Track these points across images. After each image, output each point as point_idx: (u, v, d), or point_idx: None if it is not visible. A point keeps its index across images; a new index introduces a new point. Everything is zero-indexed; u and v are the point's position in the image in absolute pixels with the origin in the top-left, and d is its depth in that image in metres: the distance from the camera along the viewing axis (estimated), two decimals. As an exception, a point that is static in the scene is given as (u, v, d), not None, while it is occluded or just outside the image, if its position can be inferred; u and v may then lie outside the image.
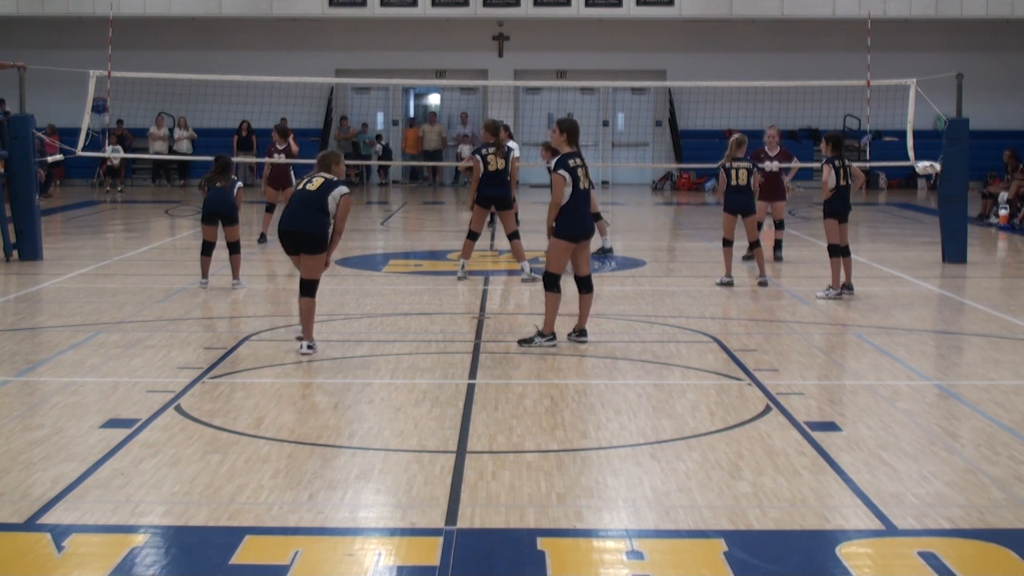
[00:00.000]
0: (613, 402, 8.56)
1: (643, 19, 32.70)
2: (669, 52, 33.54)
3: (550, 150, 14.22)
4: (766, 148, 16.64)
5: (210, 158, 14.45)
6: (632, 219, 25.01)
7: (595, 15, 32.50)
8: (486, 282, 14.56)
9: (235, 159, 17.48)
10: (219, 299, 13.16)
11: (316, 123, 34.03)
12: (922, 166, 17.41)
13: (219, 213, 13.58)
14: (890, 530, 5.99)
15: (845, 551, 5.68)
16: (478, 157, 14.56)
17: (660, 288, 14.26)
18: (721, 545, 5.73)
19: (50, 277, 14.73)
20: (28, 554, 5.62)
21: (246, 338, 10.83)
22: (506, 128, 15.91)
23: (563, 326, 10.73)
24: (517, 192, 16.46)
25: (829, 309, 12.67)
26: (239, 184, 13.76)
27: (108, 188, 30.68)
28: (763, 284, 14.12)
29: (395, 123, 35.49)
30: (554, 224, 10.36)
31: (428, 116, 34.92)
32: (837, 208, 13.28)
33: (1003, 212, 21.79)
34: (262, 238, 18.50)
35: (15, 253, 16.10)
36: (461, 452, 7.25)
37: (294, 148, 18.97)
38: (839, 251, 13.23)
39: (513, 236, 14.61)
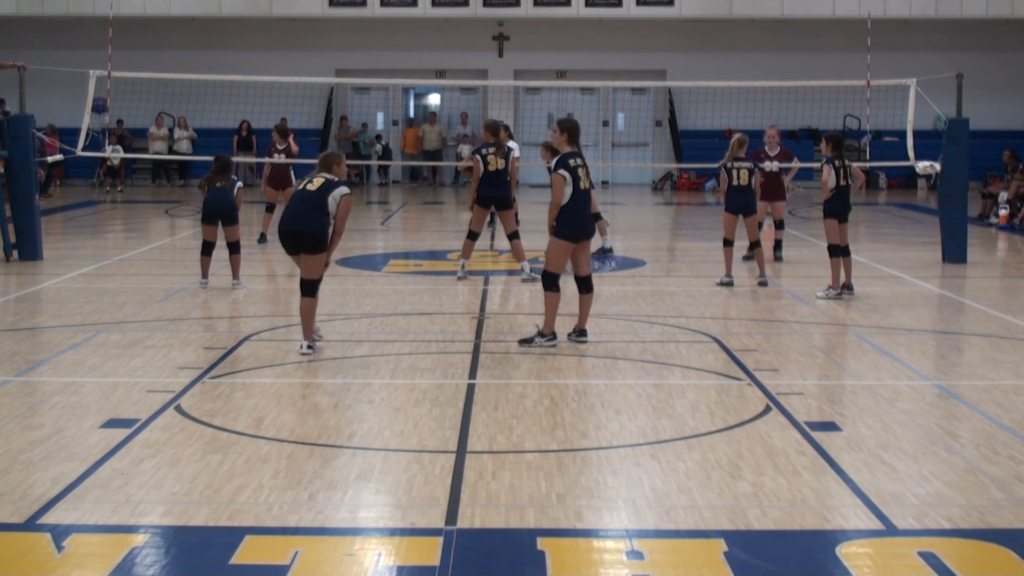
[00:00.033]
0: (613, 402, 8.56)
1: (643, 19, 32.70)
2: (669, 52, 33.54)
3: (550, 150, 14.20)
4: (766, 148, 16.64)
5: (210, 158, 14.45)
6: (632, 219, 25.01)
7: (595, 15, 32.51)
8: (486, 282, 14.56)
9: (235, 159, 17.47)
10: (219, 299, 13.16)
11: (316, 123, 34.03)
12: (922, 166, 17.41)
13: (219, 213, 13.58)
14: (890, 530, 5.99)
15: (845, 551, 5.68)
16: (478, 157, 14.56)
17: (660, 288, 14.26)
18: (721, 545, 5.73)
19: (50, 277, 14.73)
20: (28, 554, 5.62)
21: (246, 338, 10.83)
22: (506, 128, 15.91)
23: (563, 326, 10.73)
24: (517, 192, 16.46)
25: (829, 309, 12.67)
26: (239, 184, 13.76)
27: (108, 188, 30.68)
28: (763, 284, 14.12)
29: (395, 123, 35.49)
30: (554, 224, 10.36)
31: (428, 116, 34.93)
32: (837, 208, 13.28)
33: (1003, 212, 21.79)
34: (262, 238, 18.50)
35: (15, 253, 16.10)
36: (461, 452, 7.25)
37: (294, 148, 18.97)
38: (839, 251, 13.23)
39: (513, 236, 14.61)
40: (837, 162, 13.21)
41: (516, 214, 15.05)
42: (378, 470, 6.91)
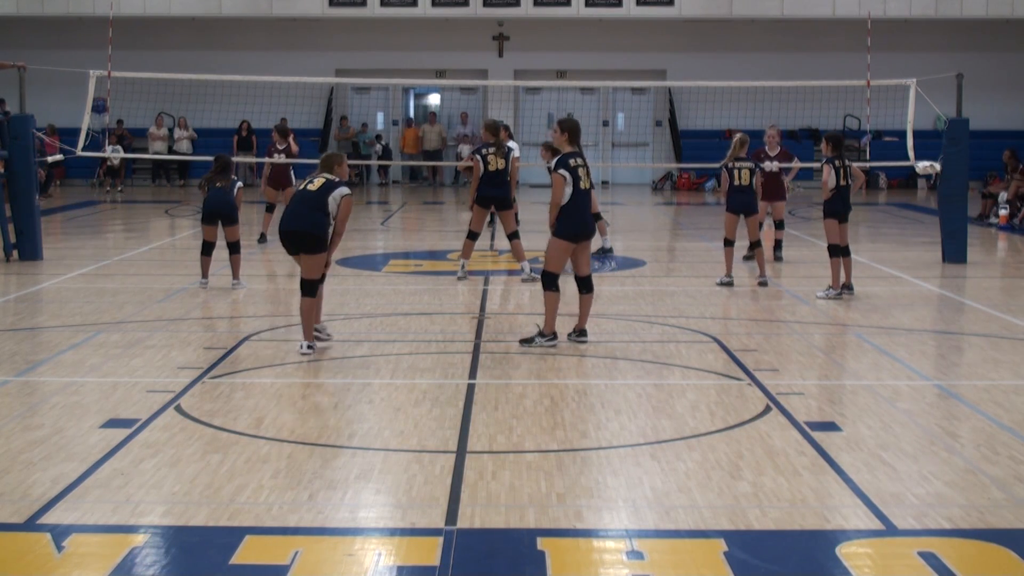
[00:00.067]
0: (613, 402, 8.56)
1: (643, 19, 32.70)
2: (669, 52, 33.54)
3: (550, 150, 14.21)
4: (766, 148, 16.63)
5: (210, 158, 14.45)
6: (632, 219, 25.01)
7: (595, 15, 32.51)
8: (486, 282, 14.56)
9: (235, 159, 17.47)
10: (219, 299, 13.16)
11: (316, 123, 34.03)
12: (922, 166, 17.41)
13: (219, 213, 13.58)
14: (890, 530, 5.99)
15: (845, 551, 5.68)
16: (478, 157, 14.56)
17: (660, 288, 14.26)
18: (721, 545, 5.73)
19: (50, 277, 14.73)
20: (28, 554, 5.62)
21: (246, 338, 10.83)
22: (506, 128, 15.91)
23: (563, 326, 10.73)
24: (517, 192, 16.47)
25: (829, 309, 12.67)
26: (239, 184, 13.76)
27: (108, 188, 30.68)
28: (763, 284, 14.12)
29: (395, 123, 35.50)
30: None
31: (428, 116, 34.94)
32: (837, 208, 13.28)
33: (1003, 212, 21.79)
34: (262, 238, 18.50)
35: (15, 253, 16.10)
36: (461, 452, 7.25)
37: (294, 148, 18.97)
38: (839, 251, 13.23)
39: (513, 236, 14.61)
40: (837, 162, 13.21)
41: (516, 214, 15.05)
42: (378, 470, 6.91)
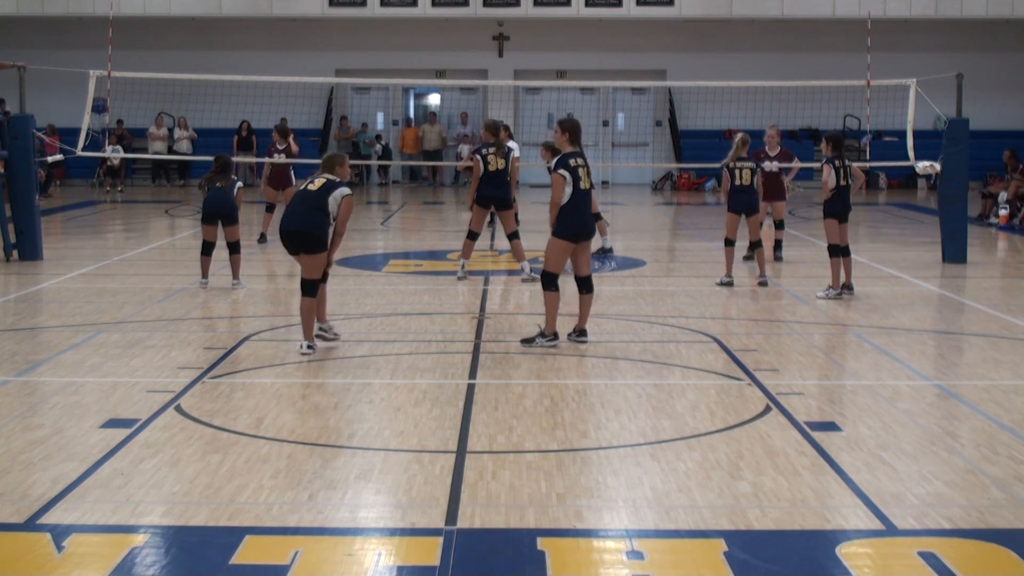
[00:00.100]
0: (613, 402, 8.56)
1: (643, 19, 32.70)
2: (669, 52, 33.54)
3: (551, 150, 14.23)
4: (766, 148, 16.63)
5: (210, 158, 14.45)
6: (632, 219, 25.01)
7: (595, 15, 32.50)
8: (486, 282, 14.56)
9: (235, 159, 17.47)
10: (219, 299, 13.16)
11: (316, 123, 34.03)
12: (922, 166, 17.41)
13: (219, 213, 13.58)
14: (890, 530, 5.99)
15: (845, 551, 5.68)
16: (478, 157, 14.56)
17: (660, 288, 14.26)
18: (721, 545, 5.73)
19: (50, 277, 14.73)
20: (28, 554, 5.62)
21: (246, 338, 10.83)
22: (506, 128, 15.91)
23: (563, 326, 10.73)
24: (517, 192, 16.47)
25: (829, 309, 12.67)
26: (239, 184, 13.76)
27: (108, 188, 30.68)
28: (763, 284, 14.12)
29: (395, 123, 35.50)
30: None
31: (428, 116, 34.94)
32: (837, 208, 13.28)
33: (1003, 212, 21.79)
34: (262, 238, 18.50)
35: (15, 253, 16.10)
36: (461, 452, 7.25)
37: (294, 148, 18.98)
38: (839, 251, 13.23)
39: (513, 236, 14.61)
40: (837, 162, 13.21)
41: (516, 214, 15.05)
42: (378, 470, 6.91)
